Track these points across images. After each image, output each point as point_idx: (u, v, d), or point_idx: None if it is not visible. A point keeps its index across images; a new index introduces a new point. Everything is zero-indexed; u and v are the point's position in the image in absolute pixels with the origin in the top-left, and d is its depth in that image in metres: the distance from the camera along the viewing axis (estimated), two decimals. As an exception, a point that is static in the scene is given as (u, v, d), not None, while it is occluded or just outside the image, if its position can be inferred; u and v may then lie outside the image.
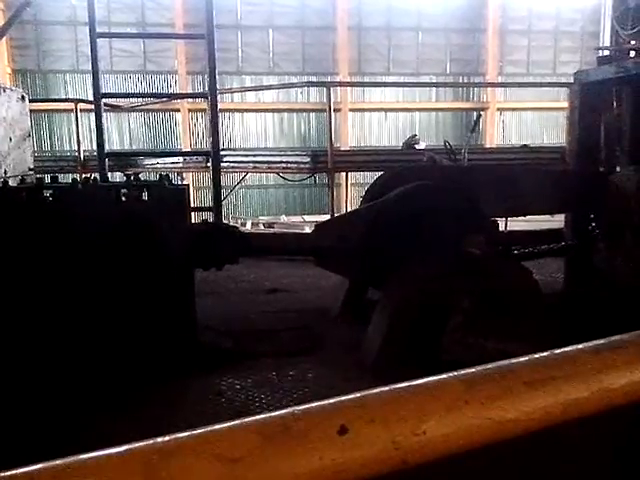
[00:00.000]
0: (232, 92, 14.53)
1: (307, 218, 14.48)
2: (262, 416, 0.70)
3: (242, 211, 16.00)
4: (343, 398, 0.73)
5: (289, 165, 6.72)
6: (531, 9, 18.25)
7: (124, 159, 7.98)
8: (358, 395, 0.74)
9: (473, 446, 0.76)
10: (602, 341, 0.90)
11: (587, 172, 4.09)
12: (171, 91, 15.72)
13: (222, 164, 6.76)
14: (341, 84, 15.27)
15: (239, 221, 12.99)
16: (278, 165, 6.81)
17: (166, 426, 2.37)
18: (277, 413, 0.70)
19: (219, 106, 4.92)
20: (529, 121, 18.61)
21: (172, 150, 14.66)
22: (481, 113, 9.21)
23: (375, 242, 3.18)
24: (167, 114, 16.46)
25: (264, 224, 13.83)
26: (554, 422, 0.80)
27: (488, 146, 16.58)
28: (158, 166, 7.42)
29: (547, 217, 4.48)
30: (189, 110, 15.86)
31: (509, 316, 3.00)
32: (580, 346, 0.87)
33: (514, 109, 18.31)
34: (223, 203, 5.01)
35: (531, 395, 0.79)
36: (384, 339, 2.95)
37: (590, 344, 0.89)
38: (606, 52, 4.21)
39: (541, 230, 5.89)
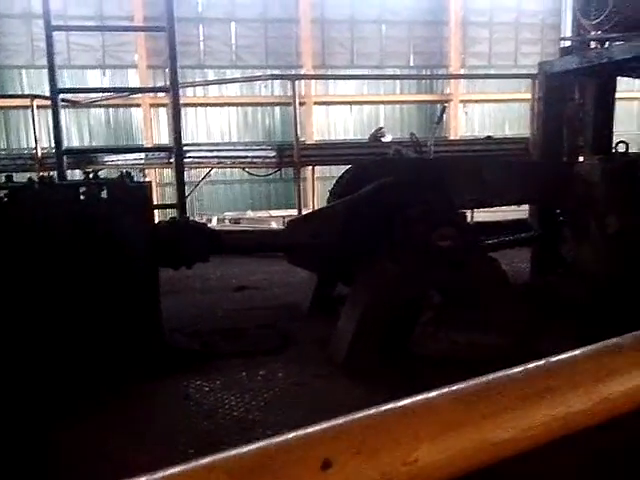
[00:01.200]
0: (194, 86, 14.29)
1: (274, 213, 14.38)
2: (235, 452, 0.63)
3: (208, 207, 15.79)
4: (326, 426, 0.66)
5: (254, 160, 6.64)
6: (492, 1, 18.44)
7: (83, 156, 7.76)
8: (342, 421, 0.67)
9: (469, 470, 0.71)
10: (597, 346, 0.86)
11: (552, 162, 4.13)
12: (132, 86, 15.39)
13: (185, 160, 6.66)
14: (305, 77, 15.19)
15: (205, 217, 12.80)
16: (243, 160, 6.72)
17: (131, 434, 2.29)
18: (252, 447, 0.63)
19: (181, 101, 4.80)
20: (492, 112, 18.82)
21: (133, 146, 14.34)
22: (445, 105, 9.23)
23: (350, 238, 3.14)
24: (128, 109, 16.12)
25: (230, 220, 13.69)
26: (554, 437, 0.76)
27: (453, 138, 16.74)
28: (119, 163, 7.24)
29: (513, 207, 4.52)
30: (150, 105, 15.57)
31: (478, 308, 3.01)
32: (576, 352, 0.83)
33: (477, 101, 18.50)
34: (188, 199, 4.89)
35: (529, 411, 0.74)
36: (354, 335, 2.92)
37: (585, 349, 0.85)
38: (568, 43, 4.23)
39: (508, 220, 5.95)
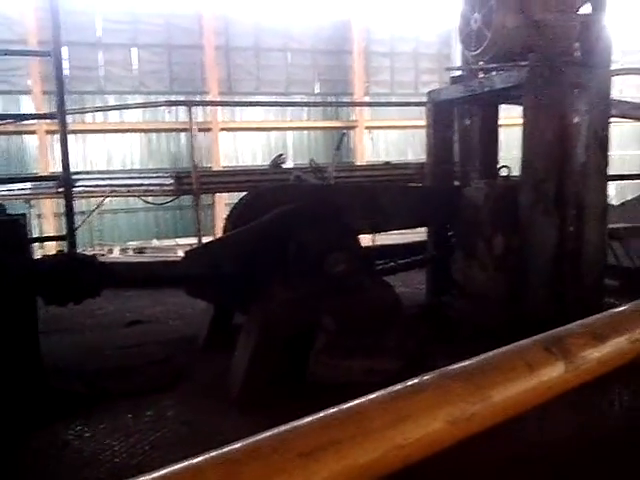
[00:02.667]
0: (83, 112, 13.73)
1: (180, 241, 14.05)
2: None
3: (109, 237, 15.18)
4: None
5: (151, 188, 6.46)
6: (393, 32, 19.21)
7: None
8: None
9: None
10: (399, 386, 0.86)
11: (443, 187, 4.28)
12: (24, 112, 14.64)
13: (76, 188, 6.38)
14: (203, 103, 15.09)
15: (105, 248, 12.29)
16: (139, 188, 6.52)
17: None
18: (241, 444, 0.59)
19: (80, 127, 4.59)
20: (395, 139, 19.48)
21: (14, 175, 13.32)
22: (344, 132, 9.47)
23: (250, 268, 3.09)
24: (22, 137, 15.31)
25: (134, 250, 13.24)
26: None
27: (359, 163, 17.15)
28: (4, 194, 6.80)
29: (422, 229, 4.64)
30: (46, 132, 14.85)
31: (372, 332, 3.02)
32: (372, 395, 0.82)
33: (381, 127, 19.09)
34: (85, 230, 4.65)
35: (308, 469, 0.69)
36: (247, 367, 2.86)
37: (385, 392, 0.84)
38: (459, 72, 4.43)
39: (407, 243, 6.11)
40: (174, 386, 3.09)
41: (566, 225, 3.50)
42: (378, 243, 6.77)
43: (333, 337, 2.95)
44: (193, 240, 9.64)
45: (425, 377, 0.90)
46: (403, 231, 5.54)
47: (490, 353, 1.03)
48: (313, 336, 2.96)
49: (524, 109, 3.51)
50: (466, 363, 0.97)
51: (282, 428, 0.74)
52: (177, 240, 14.40)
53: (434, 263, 4.34)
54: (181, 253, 10.46)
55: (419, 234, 5.38)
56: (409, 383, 0.87)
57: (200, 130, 15.56)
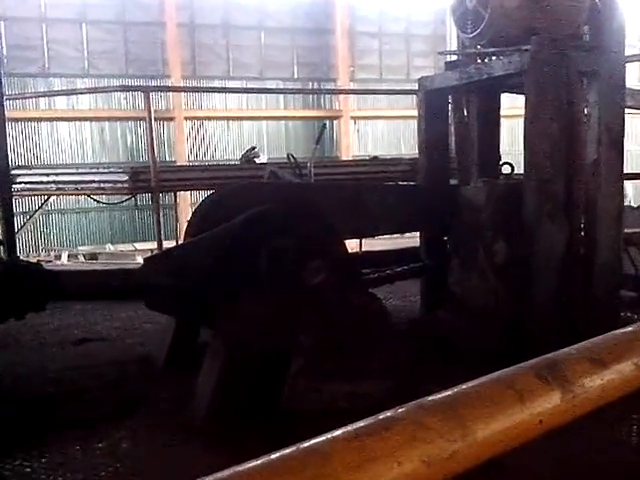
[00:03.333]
0: (24, 98, 13.57)
1: (139, 246, 14.01)
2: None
3: (56, 241, 15.06)
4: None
5: (104, 185, 6.45)
6: (381, 10, 19.34)
7: None
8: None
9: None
10: (367, 421, 0.87)
11: (437, 186, 4.31)
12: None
13: (17, 185, 6.33)
14: (164, 88, 15.06)
15: (52, 253, 12.20)
16: (90, 185, 6.49)
17: None
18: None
19: (22, 115, 4.56)
20: (385, 131, 19.61)
21: None
22: (325, 123, 9.50)
23: (218, 277, 3.09)
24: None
25: (85, 256, 13.17)
26: None
27: (344, 158, 17.23)
28: None
29: (415, 234, 4.67)
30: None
31: (356, 352, 3.04)
32: (336, 432, 0.83)
33: (369, 117, 19.21)
34: (29, 233, 4.61)
35: None
36: (214, 392, 2.85)
37: (351, 428, 0.85)
38: (454, 57, 4.48)
39: (400, 249, 6.15)
40: (130, 414, 3.07)
41: (576, 230, 3.56)
42: (365, 249, 6.79)
43: (311, 358, 2.96)
44: (153, 245, 9.62)
45: (399, 410, 0.91)
46: (393, 236, 5.61)
47: (474, 381, 1.04)
48: (289, 357, 2.96)
49: (526, 99, 3.55)
50: (446, 393, 0.98)
51: (226, 473, 0.74)
52: (135, 245, 14.35)
53: (428, 273, 4.37)
54: (140, 260, 10.44)
55: (412, 239, 5.43)
56: (380, 417, 0.88)
57: (161, 119, 15.52)
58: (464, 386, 1.01)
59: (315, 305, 3.03)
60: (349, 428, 0.85)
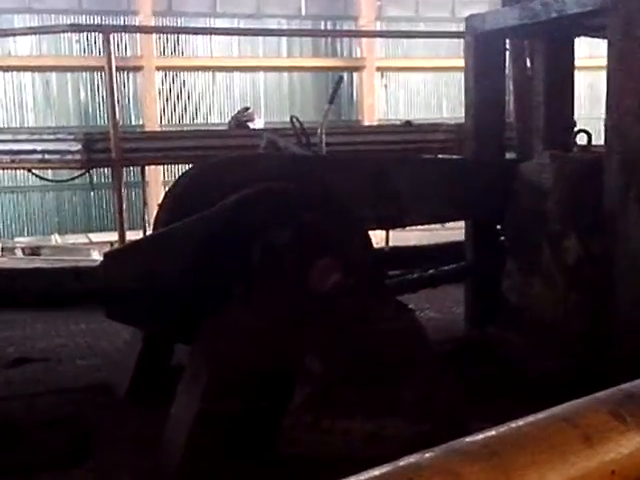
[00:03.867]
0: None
1: (96, 238, 14.08)
2: None
3: (-13, 230, 15.18)
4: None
5: (49, 156, 6.45)
6: None
7: None
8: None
9: None
10: (384, 469, 0.87)
11: (488, 161, 4.31)
12: None
13: None
14: (129, 29, 15.05)
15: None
16: (31, 157, 6.51)
17: None
18: None
19: None
20: (422, 86, 19.56)
21: None
22: (342, 76, 9.48)
23: (200, 278, 3.12)
24: None
25: (24, 249, 13.25)
26: None
27: (367, 123, 17.19)
28: None
29: (458, 225, 4.67)
30: None
31: (381, 381, 3.04)
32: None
33: (400, 69, 19.15)
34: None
35: None
36: (192, 430, 2.87)
37: (362, 477, 0.85)
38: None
39: (438, 244, 6.16)
40: (81, 459, 3.10)
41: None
42: (393, 244, 6.79)
43: (320, 387, 2.97)
44: (113, 237, 9.64)
45: (426, 455, 0.91)
46: (430, 226, 5.61)
47: (528, 418, 1.04)
48: (291, 385, 2.97)
49: (609, 44, 3.53)
50: (490, 433, 0.98)
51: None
52: (90, 236, 14.40)
53: (476, 276, 4.36)
54: (97, 256, 10.48)
55: (454, 231, 5.43)
56: (400, 464, 0.89)
57: (125, 70, 15.56)
58: (513, 424, 1.01)
59: (326, 317, 3.04)
60: (360, 478, 0.85)
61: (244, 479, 2.80)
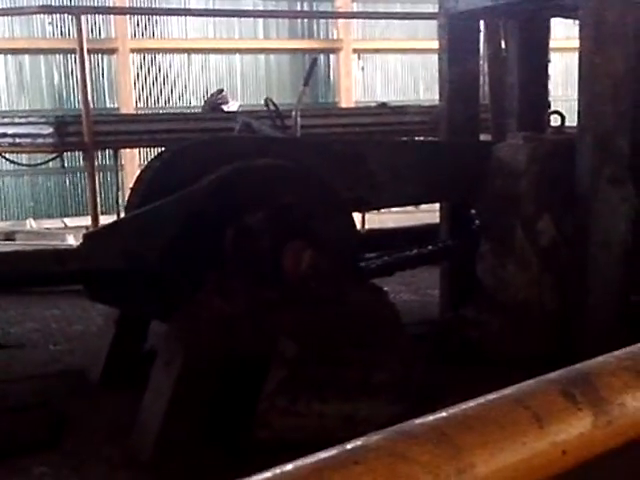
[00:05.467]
0: None
1: (71, 222, 13.97)
2: None
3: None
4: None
5: (19, 141, 6.43)
6: None
7: None
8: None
9: None
10: (331, 452, 0.87)
11: (464, 142, 4.31)
12: None
13: None
14: (102, 10, 14.88)
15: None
16: (1, 141, 6.43)
17: None
18: None
19: None
20: (399, 68, 19.51)
21: None
22: (317, 57, 9.44)
23: (183, 258, 3.11)
24: None
25: (-1, 235, 13.14)
26: None
27: (344, 105, 17.15)
28: None
29: (433, 207, 4.67)
30: None
31: (354, 363, 3.05)
32: (289, 466, 0.83)
33: (377, 50, 19.09)
34: None
35: None
36: (165, 416, 2.86)
37: (308, 461, 0.85)
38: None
39: (413, 227, 6.16)
40: (54, 444, 3.09)
41: (646, 201, 3.57)
42: (369, 227, 6.80)
43: (295, 370, 2.97)
44: (89, 221, 9.59)
45: (374, 437, 0.91)
46: (407, 209, 5.61)
47: (479, 399, 1.03)
48: (265, 369, 2.98)
49: (582, 26, 3.54)
50: (440, 415, 0.97)
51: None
52: (65, 221, 14.30)
53: (450, 259, 4.38)
54: (73, 240, 10.43)
55: (429, 214, 5.43)
56: (348, 446, 0.88)
57: (98, 52, 15.42)
58: (464, 406, 1.00)
59: (300, 300, 3.04)
60: (307, 461, 0.84)
61: (218, 464, 2.79)
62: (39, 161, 7.76)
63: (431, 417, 0.97)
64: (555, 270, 3.71)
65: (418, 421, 0.96)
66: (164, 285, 3.22)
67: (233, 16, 17.49)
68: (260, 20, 18.07)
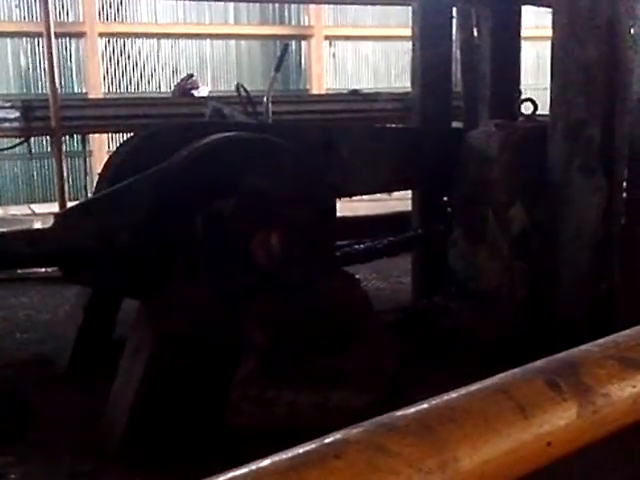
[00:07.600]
0: None
1: (39, 209, 13.83)
2: None
3: None
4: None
5: (-16, 124, 6.39)
6: None
7: None
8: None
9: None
10: (309, 446, 0.85)
11: (435, 130, 4.31)
12: None
13: None
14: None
15: None
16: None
17: None
18: None
19: None
20: (371, 55, 19.50)
21: None
22: (288, 43, 9.41)
23: (158, 234, 3.09)
24: None
25: (-38, 221, 13.00)
26: None
27: (315, 92, 17.14)
28: None
29: (404, 194, 4.68)
30: None
31: (326, 351, 3.05)
32: (265, 462, 0.81)
33: (349, 37, 19.07)
34: None
35: None
36: (133, 405, 2.86)
37: (284, 455, 0.83)
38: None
39: (386, 214, 6.17)
40: (20, 435, 3.07)
41: (617, 190, 3.58)
42: (341, 214, 6.79)
43: (266, 359, 2.96)
44: (55, 208, 9.52)
45: (353, 430, 0.89)
46: (377, 196, 5.61)
47: (461, 390, 1.02)
48: (235, 358, 2.96)
49: (554, 15, 3.55)
50: (422, 406, 0.96)
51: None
52: (32, 207, 14.16)
53: (422, 246, 4.39)
54: (39, 226, 10.32)
55: (401, 201, 5.44)
56: (326, 440, 0.86)
57: (66, 36, 15.25)
58: (446, 397, 0.99)
59: (270, 288, 3.03)
60: (283, 456, 0.83)
61: (188, 452, 2.78)
62: (5, 146, 7.65)
63: (413, 409, 0.95)
64: (526, 257, 3.72)
65: (399, 413, 0.94)
66: (138, 263, 3.20)
67: (203, 0, 17.39)
68: (231, 5, 17.97)
